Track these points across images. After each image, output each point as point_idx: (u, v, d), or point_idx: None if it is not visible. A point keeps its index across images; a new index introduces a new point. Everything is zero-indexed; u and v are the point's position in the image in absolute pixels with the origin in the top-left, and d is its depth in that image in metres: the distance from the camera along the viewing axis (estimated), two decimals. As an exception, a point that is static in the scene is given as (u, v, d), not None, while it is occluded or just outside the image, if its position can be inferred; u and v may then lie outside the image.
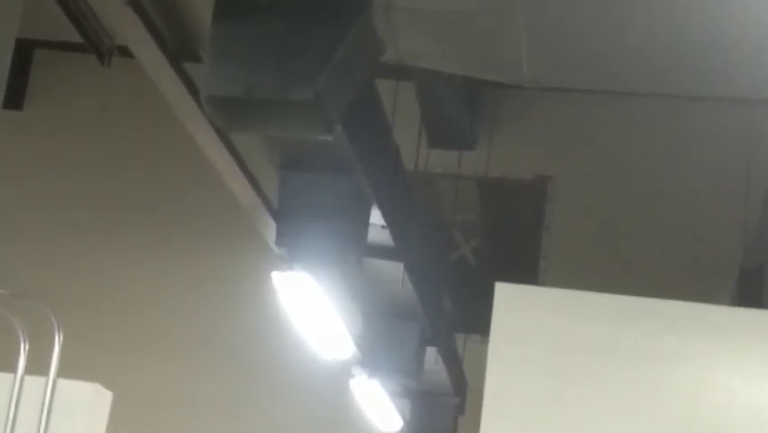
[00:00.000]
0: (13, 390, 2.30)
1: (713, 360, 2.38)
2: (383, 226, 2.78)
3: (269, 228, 2.79)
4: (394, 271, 2.93)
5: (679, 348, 2.43)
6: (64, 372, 2.51)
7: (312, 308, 2.77)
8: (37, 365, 2.46)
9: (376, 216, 2.73)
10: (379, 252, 2.84)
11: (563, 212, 4.94)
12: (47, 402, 2.40)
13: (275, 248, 2.70)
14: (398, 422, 4.23)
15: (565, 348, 2.50)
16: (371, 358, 3.39)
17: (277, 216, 2.70)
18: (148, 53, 2.12)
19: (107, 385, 2.61)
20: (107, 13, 2.13)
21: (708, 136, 4.72)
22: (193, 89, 2.19)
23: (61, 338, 2.53)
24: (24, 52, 4.92)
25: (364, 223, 2.72)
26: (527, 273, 4.17)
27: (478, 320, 2.85)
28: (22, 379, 2.32)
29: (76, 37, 3.95)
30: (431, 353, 3.73)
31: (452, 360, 4.27)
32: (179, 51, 2.23)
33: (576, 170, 5.04)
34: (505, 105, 4.94)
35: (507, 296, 2.54)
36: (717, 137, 4.67)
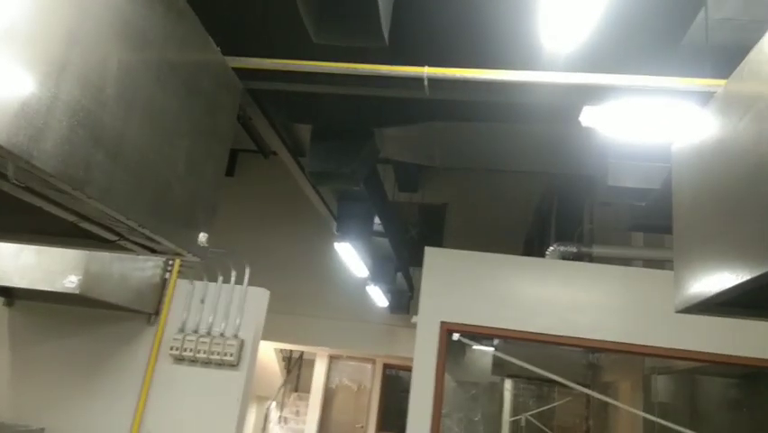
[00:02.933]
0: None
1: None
2: (379, 225, 6.43)
3: (333, 225, 6.38)
4: (384, 242, 6.64)
5: (526, 272, 5.89)
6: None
7: (351, 258, 6.47)
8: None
9: (376, 221, 6.38)
10: (378, 235, 6.53)
11: (453, 217, 9.11)
12: (245, 294, 5.89)
13: (336, 232, 6.28)
14: (384, 302, 8.41)
15: (458, 276, 4.86)
16: (374, 277, 7.30)
17: (337, 218, 6.29)
18: (283, 152, 4.97)
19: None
20: (265, 134, 4.55)
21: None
22: (302, 168, 5.29)
23: (248, 271, 6.04)
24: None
25: (371, 224, 6.33)
26: (439, 245, 8.15)
27: (419, 262, 4.89)
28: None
29: (250, 145, 7.91)
30: (397, 275, 7.73)
31: (408, 278, 8.28)
32: (296, 151, 5.26)
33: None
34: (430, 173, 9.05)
35: (431, 252, 4.86)
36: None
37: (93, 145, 1.34)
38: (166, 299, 4.84)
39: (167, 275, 4.90)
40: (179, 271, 4.95)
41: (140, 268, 4.54)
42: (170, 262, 4.95)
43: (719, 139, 1.73)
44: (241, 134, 7.44)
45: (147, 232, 1.69)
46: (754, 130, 1.49)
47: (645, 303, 4.43)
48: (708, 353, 4.30)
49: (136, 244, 1.88)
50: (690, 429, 4.43)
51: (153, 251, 1.95)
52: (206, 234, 1.96)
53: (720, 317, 3.26)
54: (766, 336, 4.19)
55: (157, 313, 4.82)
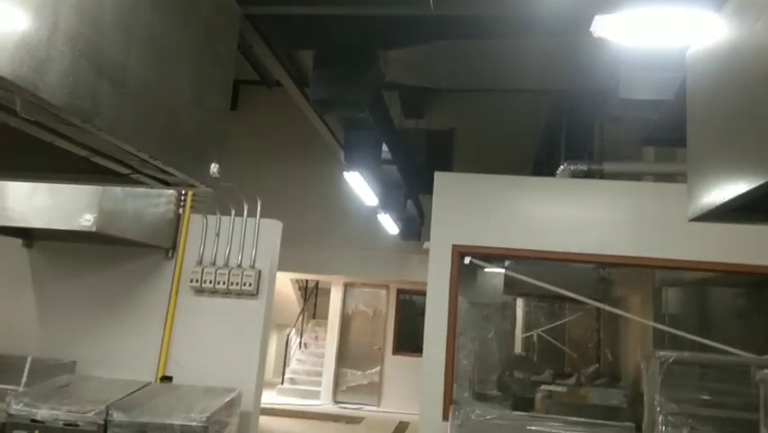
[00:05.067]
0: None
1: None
2: (387, 152, 6.39)
3: (341, 154, 6.34)
4: (393, 170, 6.63)
5: (535, 191, 5.41)
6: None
7: (361, 187, 6.48)
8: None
9: (384, 149, 6.33)
10: (386, 163, 6.50)
11: (460, 141, 8.95)
12: (258, 226, 6.01)
13: (344, 162, 6.26)
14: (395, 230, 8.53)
15: (468, 200, 4.92)
16: (385, 205, 7.34)
17: (344, 148, 6.24)
18: (287, 81, 4.54)
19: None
20: (267, 63, 4.11)
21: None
22: (307, 97, 4.75)
23: (260, 203, 6.08)
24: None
25: (379, 152, 6.28)
26: (448, 170, 8.11)
27: (429, 188, 4.96)
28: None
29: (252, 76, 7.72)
30: (407, 202, 7.76)
31: (417, 205, 8.32)
32: (300, 80, 4.92)
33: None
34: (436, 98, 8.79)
35: (440, 177, 4.89)
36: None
37: (97, 76, 1.33)
38: (182, 234, 4.92)
39: (180, 211, 4.96)
40: (192, 207, 5.00)
41: (153, 204, 4.59)
42: (183, 199, 5.00)
43: (734, 42, 1.68)
44: (242, 65, 7.29)
45: (159, 164, 1.70)
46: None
47: (656, 217, 4.45)
48: (717, 262, 4.35)
49: (149, 177, 1.89)
50: (700, 337, 4.54)
51: (167, 183, 1.96)
52: (217, 165, 1.97)
53: (729, 227, 3.27)
54: (777, 243, 4.21)
55: (174, 248, 4.91)
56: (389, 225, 8.54)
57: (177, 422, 3.74)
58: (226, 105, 2.10)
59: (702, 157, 1.75)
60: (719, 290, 6.20)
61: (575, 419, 3.82)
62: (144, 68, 1.56)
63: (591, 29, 2.32)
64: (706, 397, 3.69)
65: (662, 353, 3.67)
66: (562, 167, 5.32)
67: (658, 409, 3.53)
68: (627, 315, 6.61)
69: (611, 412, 5.17)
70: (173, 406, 3.95)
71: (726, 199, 1.57)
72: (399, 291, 12.73)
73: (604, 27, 2.38)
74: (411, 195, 8.20)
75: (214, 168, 1.95)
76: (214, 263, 4.82)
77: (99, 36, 1.33)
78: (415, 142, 9.24)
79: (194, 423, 3.72)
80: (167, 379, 4.71)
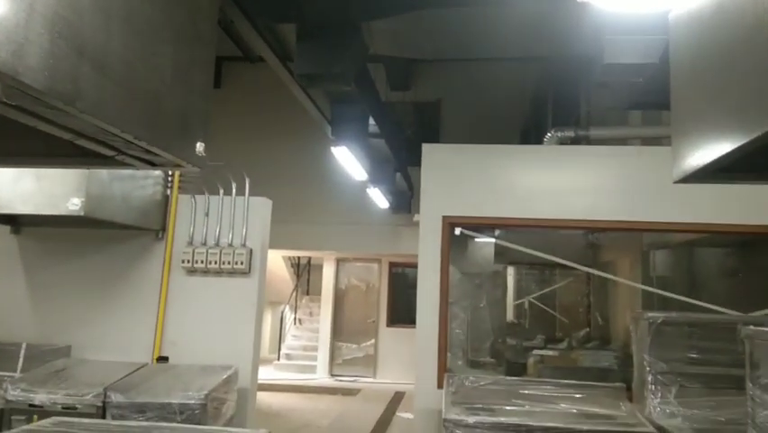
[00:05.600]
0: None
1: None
2: (374, 126, 6.36)
3: (328, 129, 6.30)
4: (381, 144, 6.61)
5: (523, 160, 5.06)
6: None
7: (349, 161, 6.47)
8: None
9: (371, 122, 6.30)
10: (374, 136, 6.48)
11: (447, 113, 8.90)
12: (247, 205, 6.01)
13: (331, 137, 6.23)
14: (385, 204, 8.54)
15: (456, 170, 4.81)
16: (374, 179, 7.33)
17: (331, 122, 6.20)
18: (270, 56, 4.35)
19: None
20: (249, 38, 4.03)
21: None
22: (291, 72, 4.57)
23: (248, 182, 6.07)
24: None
25: (366, 125, 6.25)
26: (436, 141, 8.09)
27: (417, 161, 4.91)
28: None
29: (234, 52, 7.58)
30: (397, 175, 7.75)
31: (407, 177, 8.32)
32: (283, 55, 4.81)
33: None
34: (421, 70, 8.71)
35: (428, 149, 4.90)
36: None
37: (77, 58, 1.31)
38: (170, 215, 4.90)
39: (168, 192, 4.93)
40: (180, 188, 4.97)
41: (140, 186, 4.56)
42: (170, 180, 4.97)
43: (716, 4, 1.67)
44: (224, 41, 7.18)
45: (144, 144, 1.69)
46: (752, -13, 1.44)
47: (643, 181, 4.48)
48: (704, 223, 4.41)
49: (135, 158, 1.88)
50: (688, 297, 4.62)
51: (153, 164, 1.95)
52: (203, 144, 1.96)
53: (715, 188, 3.31)
54: (758, 203, 4.27)
55: (164, 229, 4.90)
56: (379, 198, 8.55)
57: (175, 401, 3.78)
58: (210, 82, 2.08)
59: (686, 119, 1.77)
60: (706, 250, 6.29)
61: (567, 381, 3.91)
62: (125, 48, 1.54)
63: (574, -6, 2.31)
64: (694, 355, 3.76)
65: (650, 314, 3.74)
66: (549, 134, 5.33)
67: (647, 369, 3.60)
68: (616, 278, 6.71)
69: (602, 374, 5.28)
70: (171, 385, 3.98)
71: (710, 160, 1.59)
72: (392, 265, 12.81)
73: (587, -9, 2.37)
74: (400, 168, 8.17)
75: (200, 147, 1.94)
76: (204, 243, 4.82)
77: (78, 17, 1.31)
78: (402, 115, 9.19)
79: (192, 401, 3.76)
80: (163, 359, 4.74)
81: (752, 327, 2.39)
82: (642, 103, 4.79)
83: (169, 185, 4.93)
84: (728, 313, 4.24)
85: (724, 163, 1.61)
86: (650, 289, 5.55)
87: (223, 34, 6.92)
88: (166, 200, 4.92)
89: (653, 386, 3.58)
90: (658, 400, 3.54)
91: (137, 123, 1.63)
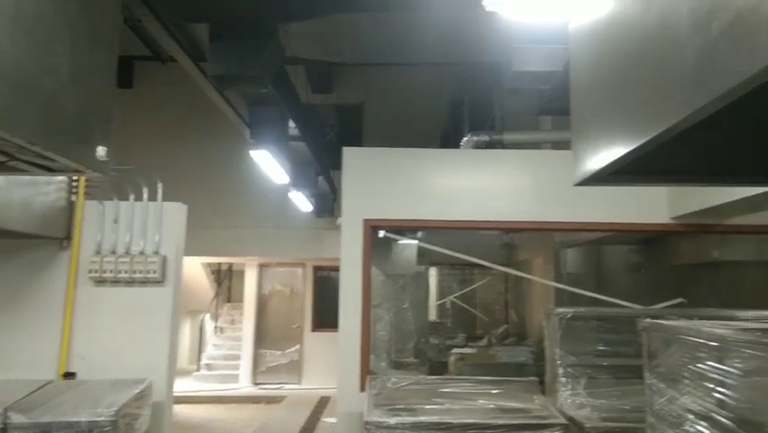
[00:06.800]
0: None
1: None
2: (295, 129, 6.29)
3: (246, 132, 6.17)
4: (303, 147, 6.55)
5: (441, 163, 5.08)
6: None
7: (270, 165, 6.36)
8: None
9: (292, 125, 6.23)
10: (295, 139, 6.41)
11: (370, 116, 9.02)
12: (160, 210, 5.78)
13: (250, 140, 6.11)
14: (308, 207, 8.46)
15: (377, 174, 5.02)
16: (296, 182, 7.25)
17: (249, 125, 6.07)
18: (181, 56, 4.27)
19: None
20: (159, 37, 3.87)
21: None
22: (204, 73, 4.46)
23: (161, 186, 5.83)
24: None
25: (286, 128, 6.18)
26: (359, 145, 8.13)
27: (340, 163, 4.84)
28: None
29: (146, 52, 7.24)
30: (319, 178, 7.72)
31: (330, 181, 8.29)
32: (195, 55, 4.66)
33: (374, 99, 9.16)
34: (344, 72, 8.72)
35: (349, 152, 4.84)
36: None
37: (-45, 55, 1.21)
38: (76, 222, 4.64)
39: (73, 198, 4.66)
40: (86, 193, 4.71)
41: (42, 192, 4.28)
42: (75, 185, 4.70)
43: (611, 14, 1.78)
44: (134, 40, 6.88)
45: (38, 149, 1.59)
46: (641, 2, 1.54)
47: (554, 183, 4.69)
48: (610, 223, 4.67)
49: (29, 163, 1.77)
50: (596, 293, 4.89)
51: (50, 169, 1.84)
52: (105, 148, 1.86)
53: (620, 190, 3.48)
54: (654, 203, 4.58)
55: (69, 237, 4.63)
56: (302, 202, 8.46)
57: (83, 419, 3.58)
58: (112, 84, 1.99)
59: (584, 125, 1.87)
60: (612, 248, 6.67)
61: (485, 378, 4.02)
62: (15, 48, 1.44)
63: (483, 2, 2.39)
64: (601, 348, 3.98)
65: (560, 310, 3.92)
66: (465, 138, 5.47)
67: (558, 362, 3.77)
68: (530, 276, 6.98)
69: (518, 369, 5.48)
70: (78, 402, 3.76)
71: (606, 163, 1.69)
72: (316, 269, 12.71)
73: (495, 1, 2.45)
74: (322, 171, 8.13)
75: (101, 151, 1.85)
76: (114, 252, 4.59)
77: (-46, 11, 1.21)
78: (325, 118, 9.13)
79: (102, 418, 3.57)
80: (71, 375, 4.47)
81: (648, 319, 2.55)
82: (550, 109, 5.01)
83: (75, 190, 4.66)
84: (632, 307, 4.51)
85: (618, 166, 1.71)
86: (560, 285, 5.82)
87: (131, 33, 6.62)
88: (71, 206, 4.65)
89: (564, 379, 3.75)
90: (569, 391, 3.72)
91: (30, 126, 1.53)
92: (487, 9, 2.48)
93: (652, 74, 1.51)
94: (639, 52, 1.57)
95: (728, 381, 2.04)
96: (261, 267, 12.76)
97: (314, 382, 11.95)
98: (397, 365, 6.61)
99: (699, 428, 2.13)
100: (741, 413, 2.02)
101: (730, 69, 1.08)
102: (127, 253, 4.58)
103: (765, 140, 1.84)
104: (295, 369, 12.35)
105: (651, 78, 1.50)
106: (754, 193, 3.40)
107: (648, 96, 1.50)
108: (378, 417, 3.43)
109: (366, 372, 4.46)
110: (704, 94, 1.20)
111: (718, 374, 2.06)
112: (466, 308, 9.10)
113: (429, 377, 4.51)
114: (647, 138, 1.49)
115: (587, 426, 3.38)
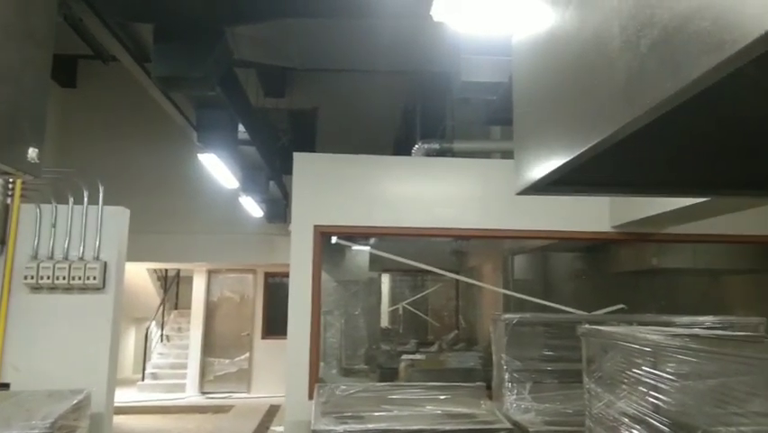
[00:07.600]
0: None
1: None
2: (245, 133, 6.20)
3: (194, 135, 6.04)
4: (253, 151, 6.45)
5: (392, 170, 5.29)
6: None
7: (218, 169, 6.24)
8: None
9: (242, 129, 6.14)
10: (246, 143, 6.31)
11: (323, 121, 9.01)
12: (101, 214, 5.58)
13: (197, 143, 5.99)
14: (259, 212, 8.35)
15: (328, 180, 4.83)
16: (246, 187, 7.14)
17: (197, 128, 5.95)
18: (124, 57, 4.13)
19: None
20: (100, 36, 3.86)
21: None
22: (148, 73, 4.25)
23: (102, 190, 5.64)
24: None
25: (236, 132, 6.08)
26: (312, 150, 8.09)
27: (291, 169, 4.82)
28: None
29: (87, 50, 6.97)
30: (271, 183, 7.63)
31: (281, 186, 8.21)
32: (139, 55, 4.43)
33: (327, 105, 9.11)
34: (297, 77, 8.69)
35: (300, 158, 4.84)
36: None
37: None
38: (11, 226, 4.43)
39: (8, 201, 4.46)
40: (23, 196, 4.52)
41: (-27, 195, 4.08)
42: (11, 188, 4.50)
43: (550, 29, 1.82)
44: (76, 39, 6.64)
45: (-40, 150, 1.51)
46: (577, 18, 1.58)
47: (502, 191, 4.76)
48: (554, 231, 4.79)
49: (-49, 165, 1.68)
50: (542, 299, 5.00)
51: (-26, 171, 1.75)
52: (37, 150, 1.79)
53: (564, 200, 3.54)
54: (599, 213, 4.72)
55: (3, 242, 4.42)
56: (252, 207, 8.34)
57: (16, 432, 3.41)
58: (45, 83, 1.91)
59: (525, 136, 1.91)
60: (558, 255, 6.84)
61: (433, 384, 4.04)
62: (-65, 40, 1.37)
63: (431, 12, 2.41)
64: (546, 353, 4.07)
65: (506, 315, 3.98)
66: (416, 146, 5.51)
67: (505, 367, 3.84)
68: (479, 283, 7.08)
69: (467, 374, 5.53)
70: (11, 414, 3.59)
71: (545, 174, 1.73)
72: (267, 275, 12.53)
73: (443, 11, 2.48)
74: (274, 176, 8.03)
75: (32, 152, 1.77)
76: (51, 257, 4.40)
77: None
78: (277, 122, 9.02)
79: (36, 430, 3.41)
80: (4, 386, 4.25)
81: (586, 325, 2.62)
82: (499, 119, 5.11)
83: (10, 193, 4.46)
84: (575, 313, 4.63)
85: (557, 176, 1.75)
86: (508, 292, 5.92)
87: (71, 31, 6.39)
88: (6, 210, 4.44)
89: (510, 384, 3.81)
90: (514, 396, 3.78)
91: (-49, 125, 1.45)
92: (435, 19, 2.51)
93: (586, 88, 1.55)
94: (575, 66, 1.61)
95: (662, 385, 2.11)
96: (211, 273, 12.50)
97: (263, 391, 11.76)
98: (348, 372, 6.58)
99: (634, 432, 2.20)
100: (674, 417, 2.10)
101: (657, 85, 1.12)
102: (65, 258, 4.41)
103: (699, 153, 1.92)
104: (244, 377, 12.12)
105: (585, 91, 1.55)
106: (689, 204, 3.56)
107: (583, 109, 1.54)
108: (325, 425, 3.40)
109: (315, 379, 4.42)
110: (633, 108, 1.24)
111: (653, 379, 2.14)
112: (418, 314, 9.15)
113: (378, 384, 4.50)
114: (582, 149, 1.53)
115: (531, 430, 3.44)
